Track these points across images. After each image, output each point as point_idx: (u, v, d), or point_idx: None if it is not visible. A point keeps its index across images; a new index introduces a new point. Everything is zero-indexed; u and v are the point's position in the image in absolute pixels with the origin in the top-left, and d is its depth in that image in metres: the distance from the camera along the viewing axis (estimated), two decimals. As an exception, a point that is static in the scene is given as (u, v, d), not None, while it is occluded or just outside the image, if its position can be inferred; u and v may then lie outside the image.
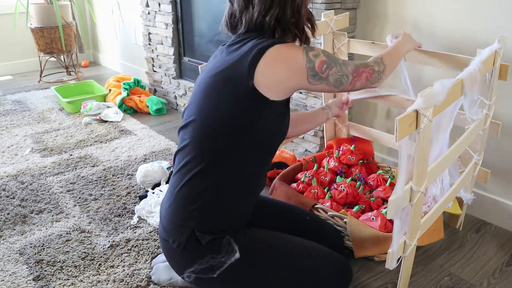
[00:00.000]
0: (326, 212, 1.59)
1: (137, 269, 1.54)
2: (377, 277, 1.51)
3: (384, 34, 1.96)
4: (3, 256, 1.62)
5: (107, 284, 1.48)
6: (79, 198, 2.00)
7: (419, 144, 1.10)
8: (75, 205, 1.95)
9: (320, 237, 1.43)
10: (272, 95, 1.14)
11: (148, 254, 1.62)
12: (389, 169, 1.93)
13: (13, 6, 3.72)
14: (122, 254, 1.62)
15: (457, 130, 1.44)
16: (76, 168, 2.29)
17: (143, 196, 1.96)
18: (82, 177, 2.19)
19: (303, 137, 2.27)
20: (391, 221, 1.54)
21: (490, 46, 1.37)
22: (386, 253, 1.22)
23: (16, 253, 1.64)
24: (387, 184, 1.80)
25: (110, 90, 3.24)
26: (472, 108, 1.36)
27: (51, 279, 1.50)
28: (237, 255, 1.19)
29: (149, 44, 3.31)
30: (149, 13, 3.21)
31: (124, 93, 3.09)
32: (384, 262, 1.30)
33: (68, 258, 1.61)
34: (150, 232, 1.75)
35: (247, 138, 1.16)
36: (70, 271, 1.54)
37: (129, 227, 1.78)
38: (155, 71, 3.36)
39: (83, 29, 4.41)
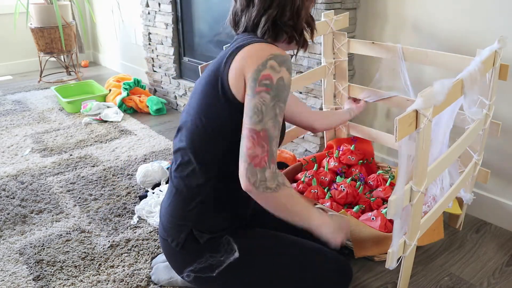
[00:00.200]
0: (326, 212, 1.59)
1: (137, 269, 1.54)
2: (377, 277, 1.51)
3: (384, 34, 1.96)
4: (3, 256, 1.62)
5: (107, 284, 1.48)
6: (79, 198, 2.00)
7: (419, 144, 1.10)
8: (75, 205, 1.95)
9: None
10: (239, 96, 1.09)
11: (148, 254, 1.62)
12: (389, 169, 1.93)
13: (13, 6, 3.72)
14: (122, 254, 1.62)
15: (457, 130, 1.44)
16: (76, 168, 2.29)
17: (143, 196, 1.96)
18: (82, 177, 2.19)
19: (303, 137, 2.27)
20: (391, 221, 1.54)
21: (490, 46, 1.37)
22: (386, 253, 1.22)
23: (16, 253, 1.64)
24: (387, 184, 1.80)
25: (110, 90, 3.24)
26: (472, 108, 1.36)
27: (51, 279, 1.50)
28: (236, 254, 1.19)
29: (149, 44, 3.31)
30: (149, 13, 3.21)
31: (124, 93, 3.09)
32: (384, 262, 1.30)
33: (68, 258, 1.61)
34: (150, 232, 1.75)
35: (238, 137, 1.13)
36: (70, 271, 1.54)
37: (129, 227, 1.78)
38: (155, 71, 3.36)
39: (83, 29, 4.41)
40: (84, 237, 1.73)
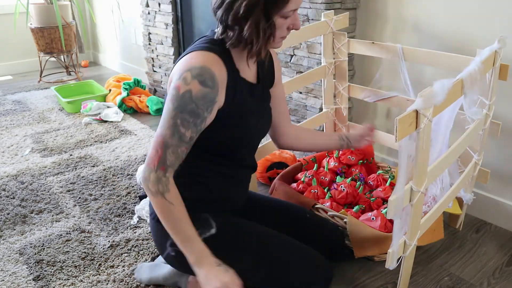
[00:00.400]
0: (326, 212, 1.59)
1: (137, 269, 1.54)
2: (377, 277, 1.51)
3: (384, 34, 1.96)
4: (3, 256, 1.62)
5: (107, 284, 1.48)
6: (79, 198, 2.00)
7: (419, 144, 1.10)
8: (75, 205, 1.95)
9: (319, 234, 1.43)
10: None
11: (148, 254, 1.62)
12: (389, 169, 1.93)
13: (13, 6, 3.71)
14: (122, 254, 1.62)
15: (457, 130, 1.44)
16: (76, 168, 2.29)
17: (143, 196, 1.96)
18: (82, 177, 2.19)
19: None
20: (391, 221, 1.54)
21: (490, 46, 1.37)
22: (386, 253, 1.22)
23: (16, 253, 1.64)
24: (387, 184, 1.80)
25: (110, 90, 3.24)
26: (472, 108, 1.36)
27: (51, 279, 1.50)
28: (213, 231, 1.20)
29: (149, 44, 3.31)
30: (149, 13, 3.21)
31: (124, 93, 3.09)
32: (384, 262, 1.30)
33: (68, 258, 1.61)
34: (150, 232, 1.74)
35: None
36: (70, 271, 1.54)
37: (129, 227, 1.78)
38: (155, 71, 3.36)
39: (83, 29, 4.41)
40: (84, 237, 1.73)
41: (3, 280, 1.50)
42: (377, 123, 2.13)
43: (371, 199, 1.71)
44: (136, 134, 2.72)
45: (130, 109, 3.11)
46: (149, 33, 3.28)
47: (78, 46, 4.19)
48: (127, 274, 1.52)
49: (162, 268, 1.44)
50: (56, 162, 2.35)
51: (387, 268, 1.22)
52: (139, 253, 1.63)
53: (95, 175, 2.20)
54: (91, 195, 2.03)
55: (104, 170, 2.26)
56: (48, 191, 2.06)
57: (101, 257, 1.61)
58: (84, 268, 1.56)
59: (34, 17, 3.59)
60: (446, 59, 1.55)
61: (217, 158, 1.24)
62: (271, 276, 1.24)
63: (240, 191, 1.36)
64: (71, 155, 2.44)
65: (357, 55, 2.05)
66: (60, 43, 3.65)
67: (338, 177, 1.84)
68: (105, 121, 2.94)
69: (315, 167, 1.93)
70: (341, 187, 1.74)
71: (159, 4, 3.08)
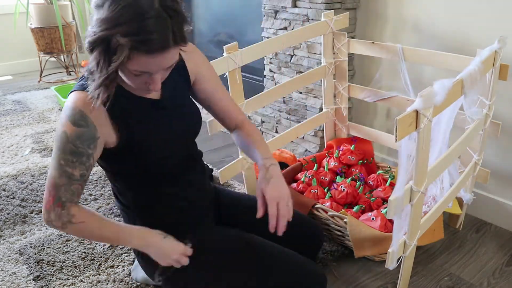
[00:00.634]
0: (326, 212, 1.59)
1: (137, 269, 1.54)
2: (377, 277, 1.51)
3: (384, 34, 1.96)
4: (3, 256, 1.62)
5: (107, 284, 1.48)
6: (79, 198, 2.00)
7: (419, 144, 1.10)
8: (75, 205, 1.94)
9: (299, 232, 1.34)
10: None
11: (148, 254, 1.62)
12: (389, 169, 1.93)
13: (13, 6, 3.71)
14: (122, 254, 1.62)
15: (457, 130, 1.44)
16: (76, 168, 2.28)
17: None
18: (82, 177, 2.19)
19: (303, 137, 2.27)
20: (391, 221, 1.54)
21: (490, 46, 1.37)
22: (386, 253, 1.22)
23: (16, 253, 1.64)
24: (387, 184, 1.80)
25: (110, 90, 3.23)
26: (472, 108, 1.36)
27: (51, 279, 1.50)
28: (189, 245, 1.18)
29: (149, 44, 3.31)
30: (149, 13, 3.20)
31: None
32: (384, 262, 1.29)
33: (68, 258, 1.61)
34: (150, 232, 1.74)
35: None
36: (70, 271, 1.54)
37: (129, 227, 1.78)
38: (155, 71, 3.36)
39: (83, 29, 4.41)
40: (84, 237, 1.73)
41: (3, 280, 1.50)
42: (377, 123, 2.13)
43: (371, 199, 1.71)
44: (136, 134, 2.72)
45: (130, 109, 3.11)
46: (149, 33, 3.27)
47: (78, 46, 4.19)
48: (127, 274, 1.52)
49: None
50: (56, 162, 2.35)
51: (387, 268, 1.22)
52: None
53: (95, 175, 2.20)
54: (91, 195, 2.02)
55: (104, 170, 2.26)
56: (48, 191, 2.06)
57: (101, 257, 1.61)
58: (84, 268, 1.56)
59: (34, 17, 3.59)
60: (446, 59, 1.55)
61: (154, 179, 1.21)
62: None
63: (196, 197, 1.28)
64: (71, 155, 2.44)
65: (357, 55, 2.04)
66: (60, 43, 3.65)
67: (338, 177, 1.84)
68: (105, 121, 2.93)
69: (315, 167, 1.93)
70: (341, 187, 1.74)
71: (159, 4, 3.08)
